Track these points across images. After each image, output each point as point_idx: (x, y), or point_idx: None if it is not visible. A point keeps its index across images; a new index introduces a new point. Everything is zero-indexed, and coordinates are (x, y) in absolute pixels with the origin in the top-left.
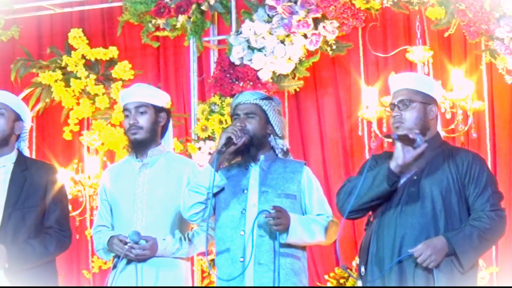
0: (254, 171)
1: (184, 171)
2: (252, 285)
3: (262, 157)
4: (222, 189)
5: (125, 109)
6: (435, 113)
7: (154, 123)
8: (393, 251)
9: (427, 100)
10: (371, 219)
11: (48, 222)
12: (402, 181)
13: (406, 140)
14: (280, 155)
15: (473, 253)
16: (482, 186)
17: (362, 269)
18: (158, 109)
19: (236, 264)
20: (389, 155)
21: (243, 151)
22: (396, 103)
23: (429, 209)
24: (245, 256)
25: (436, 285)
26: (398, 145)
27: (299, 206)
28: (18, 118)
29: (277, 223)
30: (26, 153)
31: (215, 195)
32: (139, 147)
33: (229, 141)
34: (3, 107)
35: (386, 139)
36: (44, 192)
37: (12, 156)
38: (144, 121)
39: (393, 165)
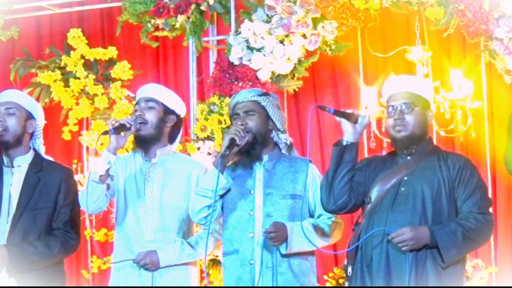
0: (259, 171)
1: (193, 172)
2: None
3: (266, 157)
4: (229, 190)
5: (136, 104)
6: (432, 118)
7: (161, 121)
8: (381, 248)
9: (427, 106)
10: (359, 220)
11: (56, 224)
12: (392, 181)
13: (347, 118)
14: (284, 150)
15: (456, 250)
16: (471, 190)
17: (349, 269)
18: (168, 110)
19: (246, 266)
20: (383, 157)
21: (248, 150)
22: (397, 106)
23: (419, 208)
24: (254, 258)
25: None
26: (343, 120)
27: (305, 205)
28: (30, 116)
29: (273, 238)
30: (42, 150)
31: (222, 196)
32: (142, 143)
33: (232, 143)
34: (15, 106)
35: (327, 110)
36: (57, 194)
37: (28, 157)
38: (151, 116)
39: (346, 136)
